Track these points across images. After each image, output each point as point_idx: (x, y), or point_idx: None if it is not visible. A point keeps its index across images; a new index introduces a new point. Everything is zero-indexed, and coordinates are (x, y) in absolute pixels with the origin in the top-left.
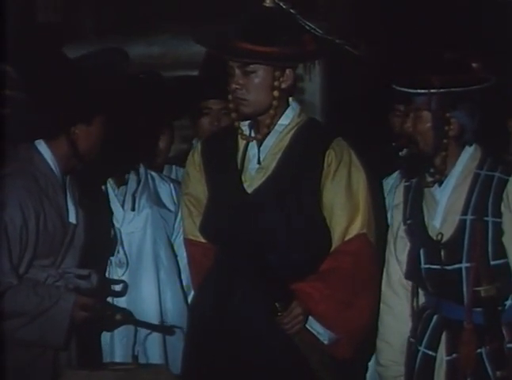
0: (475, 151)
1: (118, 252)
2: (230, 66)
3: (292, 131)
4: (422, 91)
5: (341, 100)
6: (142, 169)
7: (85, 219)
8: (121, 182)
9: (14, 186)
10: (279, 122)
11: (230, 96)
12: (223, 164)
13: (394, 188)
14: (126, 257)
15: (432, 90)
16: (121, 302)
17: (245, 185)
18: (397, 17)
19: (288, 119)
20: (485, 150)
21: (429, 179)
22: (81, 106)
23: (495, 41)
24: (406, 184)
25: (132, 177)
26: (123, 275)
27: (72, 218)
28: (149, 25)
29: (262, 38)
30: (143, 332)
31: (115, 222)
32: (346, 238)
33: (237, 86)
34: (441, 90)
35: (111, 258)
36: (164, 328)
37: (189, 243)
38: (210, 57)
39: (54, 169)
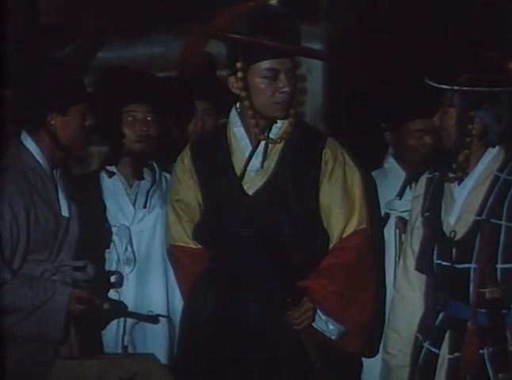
0: (499, 153)
1: (126, 249)
2: (271, 69)
3: (286, 132)
4: (446, 87)
5: (343, 101)
6: (156, 168)
7: (79, 212)
8: (136, 178)
9: (3, 182)
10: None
11: (262, 101)
12: (216, 167)
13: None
14: (134, 255)
15: (455, 87)
16: (129, 299)
17: (245, 187)
18: (399, 18)
19: (280, 121)
20: (508, 153)
21: (451, 175)
22: (53, 96)
23: None
24: (429, 176)
25: (147, 176)
26: (130, 272)
27: (65, 212)
28: (150, 26)
29: (298, 36)
30: (131, 322)
31: (125, 220)
32: (344, 235)
33: (289, 89)
34: (464, 88)
35: (119, 255)
36: (151, 318)
37: (176, 250)
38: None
39: (41, 162)
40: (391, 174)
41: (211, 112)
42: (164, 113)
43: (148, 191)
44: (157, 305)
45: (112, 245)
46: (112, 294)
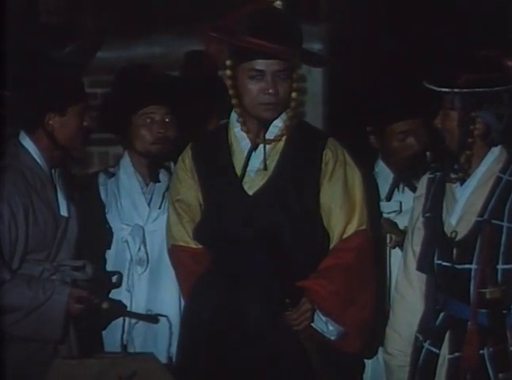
0: (501, 154)
1: (139, 249)
2: (257, 70)
3: (281, 134)
4: (446, 90)
5: (343, 102)
6: (173, 169)
7: (78, 212)
8: (152, 179)
9: (1, 182)
10: (273, 123)
11: (250, 101)
12: (217, 167)
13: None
14: (147, 256)
15: (455, 89)
16: (141, 299)
17: (245, 187)
18: (399, 18)
19: (281, 121)
20: (511, 154)
21: (453, 175)
22: (52, 96)
23: None
24: (431, 176)
25: (163, 178)
26: (143, 273)
27: (63, 211)
28: (150, 25)
29: (295, 39)
30: (131, 321)
31: (139, 219)
32: (344, 236)
33: (273, 91)
34: (465, 90)
35: (132, 255)
36: (151, 318)
37: (178, 249)
38: (191, 58)
39: (40, 162)
40: (381, 177)
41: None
42: (182, 114)
43: (164, 193)
44: (169, 305)
45: (125, 244)
46: (125, 294)
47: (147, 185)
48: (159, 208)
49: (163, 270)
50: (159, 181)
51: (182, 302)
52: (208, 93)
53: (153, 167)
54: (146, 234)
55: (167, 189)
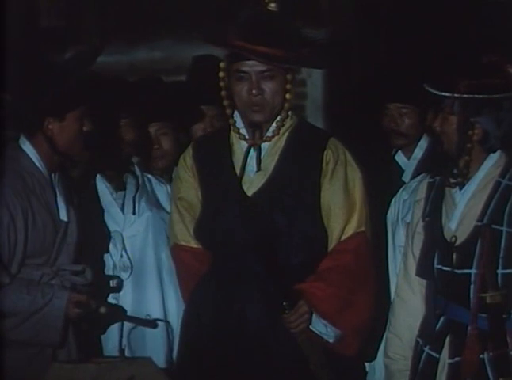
0: (500, 159)
1: (122, 256)
2: (242, 71)
3: (287, 133)
4: (446, 94)
5: (343, 105)
6: (138, 172)
7: (77, 216)
8: (120, 186)
9: (1, 185)
10: (272, 124)
11: (239, 102)
12: (217, 167)
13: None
14: (130, 261)
15: (455, 94)
16: (127, 303)
17: (245, 188)
18: (399, 20)
19: (275, 122)
20: (510, 159)
21: (452, 180)
22: (51, 101)
23: None
24: (430, 180)
25: (130, 181)
26: (128, 278)
27: (63, 216)
28: (151, 30)
29: (283, 42)
30: (128, 326)
31: (116, 226)
32: (343, 237)
33: (256, 91)
34: (465, 95)
35: (115, 262)
36: (149, 322)
37: (179, 249)
38: (199, 62)
39: (39, 166)
40: None
41: (220, 118)
42: (142, 117)
43: (134, 197)
44: (154, 308)
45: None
46: (111, 300)
47: (116, 192)
48: (133, 213)
49: (146, 273)
50: (124, 189)
51: (166, 304)
52: (214, 98)
53: (117, 172)
54: (125, 240)
55: (136, 193)
